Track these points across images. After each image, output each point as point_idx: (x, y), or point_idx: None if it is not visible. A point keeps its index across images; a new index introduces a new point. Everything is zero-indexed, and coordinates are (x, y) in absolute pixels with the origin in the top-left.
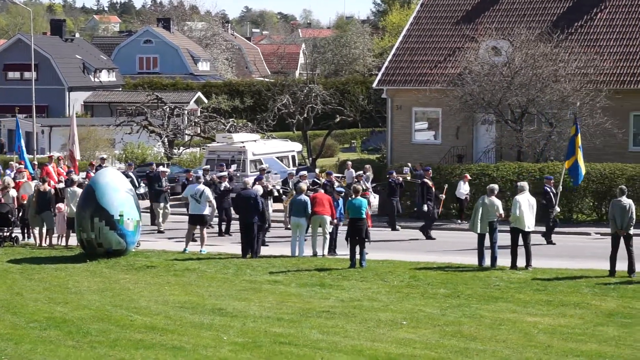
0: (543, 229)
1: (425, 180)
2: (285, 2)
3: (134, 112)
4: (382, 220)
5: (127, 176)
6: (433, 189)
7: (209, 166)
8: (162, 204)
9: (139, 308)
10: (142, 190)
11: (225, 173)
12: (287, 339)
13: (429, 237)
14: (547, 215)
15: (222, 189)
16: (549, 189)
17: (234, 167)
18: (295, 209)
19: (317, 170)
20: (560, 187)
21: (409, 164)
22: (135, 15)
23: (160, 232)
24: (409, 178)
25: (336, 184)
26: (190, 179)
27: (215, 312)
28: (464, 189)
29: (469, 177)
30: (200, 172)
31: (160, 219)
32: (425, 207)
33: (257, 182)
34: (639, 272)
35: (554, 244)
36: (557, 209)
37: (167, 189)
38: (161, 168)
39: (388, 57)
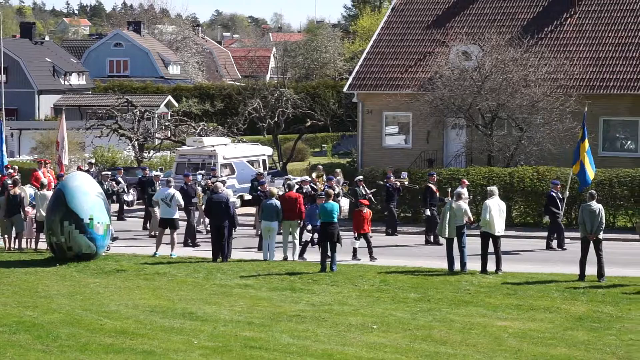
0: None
1: (430, 185)
2: (256, 5)
3: (104, 116)
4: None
5: (118, 182)
6: (437, 193)
7: (203, 171)
8: (157, 208)
9: (109, 312)
10: (131, 197)
11: (224, 178)
12: (258, 343)
13: (436, 242)
14: (555, 220)
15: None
16: (555, 194)
17: (200, 173)
18: (265, 213)
19: (314, 175)
20: (567, 192)
21: (400, 171)
22: (106, 18)
23: (152, 236)
24: (406, 183)
25: (337, 189)
26: (189, 183)
27: (186, 316)
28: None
29: (467, 183)
30: (172, 177)
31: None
32: (428, 212)
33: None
34: (609, 276)
35: (554, 248)
36: (560, 213)
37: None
38: (155, 172)
39: (359, 61)
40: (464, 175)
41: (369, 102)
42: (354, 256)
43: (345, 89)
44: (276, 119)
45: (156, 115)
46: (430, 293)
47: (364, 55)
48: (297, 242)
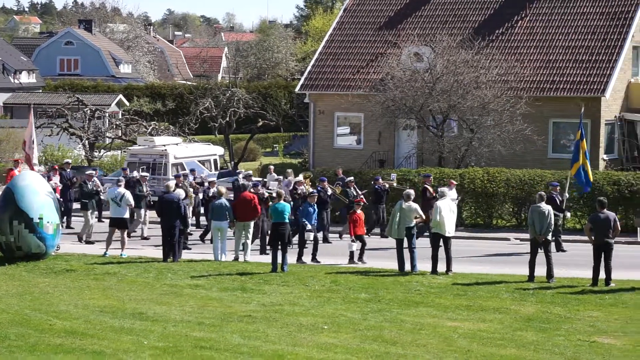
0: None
1: (426, 186)
2: (208, 5)
3: (54, 114)
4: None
5: (102, 182)
6: (434, 195)
7: (187, 170)
8: (142, 210)
9: (58, 312)
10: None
11: (214, 178)
12: (208, 343)
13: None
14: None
15: (210, 194)
16: (555, 196)
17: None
18: (215, 213)
19: (300, 176)
20: (566, 194)
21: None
22: (56, 16)
23: (145, 238)
24: (395, 185)
25: (329, 190)
26: (180, 184)
27: (136, 316)
28: (449, 195)
29: (455, 183)
30: (121, 176)
31: (141, 225)
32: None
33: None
34: (558, 277)
35: (565, 250)
36: (568, 214)
37: (148, 194)
38: (142, 173)
39: (311, 61)
40: (415, 177)
41: (320, 102)
42: (351, 259)
43: (297, 90)
44: (228, 119)
45: (107, 114)
46: (380, 293)
47: (316, 55)
48: (249, 242)
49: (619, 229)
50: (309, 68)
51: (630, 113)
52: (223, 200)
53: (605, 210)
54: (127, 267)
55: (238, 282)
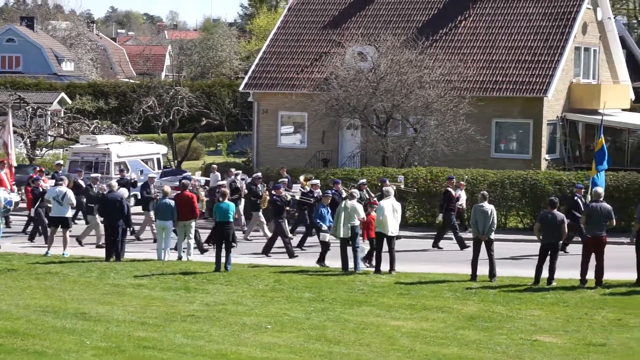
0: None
1: (449, 189)
2: (152, 3)
3: None
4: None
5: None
6: (455, 197)
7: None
8: (152, 212)
9: None
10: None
11: (223, 182)
12: (151, 343)
13: (436, 246)
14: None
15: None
16: (578, 198)
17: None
18: (160, 213)
19: (301, 178)
20: (589, 196)
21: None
22: None
23: (138, 239)
24: (402, 187)
25: (343, 192)
26: (192, 188)
27: (78, 316)
28: (462, 196)
29: (464, 184)
30: (61, 174)
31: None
32: (440, 217)
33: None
34: (500, 276)
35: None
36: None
37: (156, 196)
38: (151, 174)
39: (255, 60)
40: (359, 176)
41: (264, 101)
42: (368, 259)
43: (241, 88)
44: (171, 118)
45: (49, 113)
46: (324, 293)
47: (260, 54)
48: (192, 242)
49: (566, 230)
50: (252, 67)
51: (572, 113)
52: (168, 200)
53: (555, 210)
54: (69, 267)
55: (181, 281)
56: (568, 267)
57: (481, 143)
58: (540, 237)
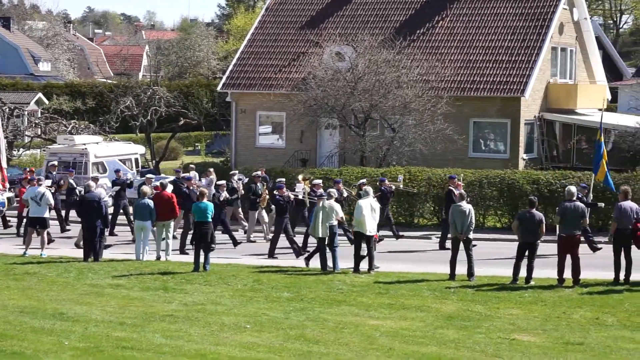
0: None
1: (451, 188)
2: (129, 3)
3: None
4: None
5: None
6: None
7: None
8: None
9: None
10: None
11: (223, 182)
12: (130, 343)
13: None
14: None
15: (221, 199)
16: (581, 197)
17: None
18: (138, 213)
19: (300, 178)
20: (591, 195)
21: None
22: None
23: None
24: (401, 186)
25: (344, 192)
26: (192, 187)
27: (56, 316)
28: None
29: (462, 184)
30: (42, 175)
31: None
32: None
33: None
34: (478, 275)
35: (600, 248)
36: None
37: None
38: (148, 175)
39: (232, 60)
40: (337, 175)
41: (242, 101)
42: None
43: (219, 88)
44: (149, 118)
45: (26, 113)
46: (303, 292)
47: (238, 54)
48: (170, 242)
49: (544, 230)
50: (230, 67)
51: (549, 113)
52: (146, 200)
53: (534, 210)
54: (47, 267)
55: (160, 281)
56: (545, 266)
57: (459, 143)
58: (519, 235)
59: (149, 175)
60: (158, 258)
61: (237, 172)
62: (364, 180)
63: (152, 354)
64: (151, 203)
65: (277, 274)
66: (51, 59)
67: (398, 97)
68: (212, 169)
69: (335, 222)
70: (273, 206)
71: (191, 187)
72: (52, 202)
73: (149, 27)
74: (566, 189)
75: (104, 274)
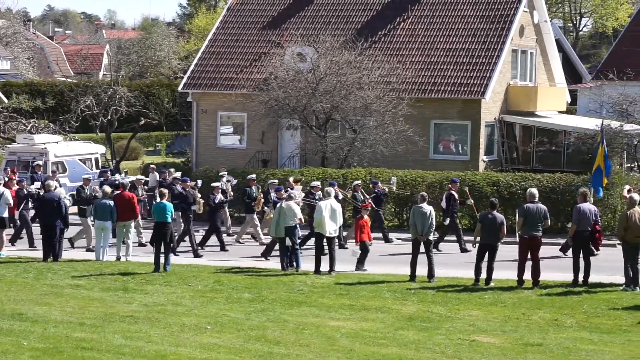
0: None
1: (452, 192)
2: (89, 1)
3: None
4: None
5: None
6: (461, 200)
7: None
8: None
9: None
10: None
11: (218, 184)
12: (90, 344)
13: (463, 250)
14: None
15: (216, 201)
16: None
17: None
18: (99, 213)
19: (290, 180)
20: (591, 198)
21: (393, 176)
22: None
23: (142, 245)
24: (394, 189)
25: (340, 195)
26: (187, 188)
27: (15, 317)
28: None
29: (457, 184)
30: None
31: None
32: (447, 221)
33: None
34: (439, 277)
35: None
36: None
37: (144, 198)
38: (138, 176)
39: (194, 60)
40: (299, 176)
41: (203, 101)
42: (360, 264)
43: (179, 88)
44: (109, 117)
45: None
46: (264, 293)
47: (199, 54)
48: (130, 242)
49: (505, 232)
50: (191, 67)
51: (509, 115)
52: (107, 200)
53: (495, 211)
54: (5, 267)
55: (120, 282)
56: (505, 267)
57: (420, 144)
58: (478, 238)
59: (139, 177)
60: (118, 259)
61: (225, 173)
62: (359, 182)
63: (112, 355)
64: (111, 203)
65: (237, 275)
66: (10, 57)
67: (359, 99)
68: (173, 169)
69: (293, 223)
70: (266, 208)
71: (187, 189)
72: (10, 202)
73: (109, 26)
74: (528, 190)
75: (64, 274)
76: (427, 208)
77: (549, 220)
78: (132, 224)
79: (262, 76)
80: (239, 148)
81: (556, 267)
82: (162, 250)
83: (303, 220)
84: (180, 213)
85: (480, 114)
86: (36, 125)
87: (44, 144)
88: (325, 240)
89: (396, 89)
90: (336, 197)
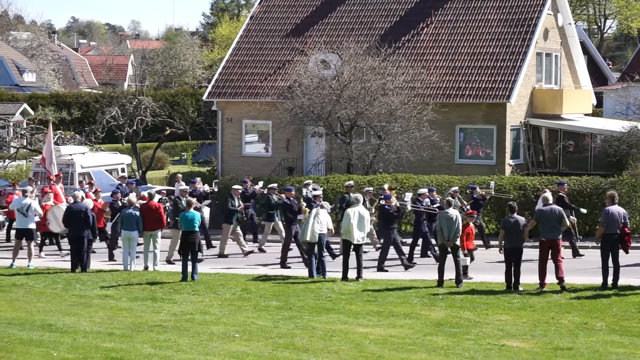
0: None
1: (561, 194)
2: (113, 12)
3: None
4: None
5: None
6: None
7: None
8: (232, 225)
9: None
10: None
11: (239, 187)
12: (119, 354)
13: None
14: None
15: (236, 205)
16: (563, 195)
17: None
18: (125, 223)
19: (385, 186)
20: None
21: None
22: None
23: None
24: (493, 193)
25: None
26: (292, 197)
27: (45, 328)
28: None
29: (457, 189)
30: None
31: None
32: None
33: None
34: (466, 282)
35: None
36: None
37: (241, 208)
38: (235, 186)
39: (218, 69)
40: (325, 184)
41: (228, 110)
42: (464, 274)
43: (204, 97)
44: (135, 127)
45: (11, 124)
46: (291, 301)
47: (223, 63)
48: (157, 252)
49: (527, 234)
50: (216, 76)
51: (534, 118)
52: (132, 210)
53: (515, 215)
54: (34, 278)
55: (148, 291)
56: (533, 272)
57: (445, 149)
58: (503, 243)
59: (236, 187)
60: (146, 268)
61: (310, 181)
62: (456, 188)
63: None
64: (137, 213)
65: (265, 283)
66: (36, 70)
67: (384, 105)
68: (199, 179)
69: (324, 231)
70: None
71: (291, 198)
72: (40, 212)
73: (133, 37)
74: (541, 196)
75: (92, 284)
76: (453, 213)
77: (567, 221)
78: (159, 234)
79: (286, 84)
80: (265, 156)
81: (585, 271)
82: (190, 258)
83: (333, 231)
84: (284, 223)
85: (505, 117)
86: (62, 136)
87: (70, 155)
88: (352, 247)
89: (421, 95)
90: (389, 205)
